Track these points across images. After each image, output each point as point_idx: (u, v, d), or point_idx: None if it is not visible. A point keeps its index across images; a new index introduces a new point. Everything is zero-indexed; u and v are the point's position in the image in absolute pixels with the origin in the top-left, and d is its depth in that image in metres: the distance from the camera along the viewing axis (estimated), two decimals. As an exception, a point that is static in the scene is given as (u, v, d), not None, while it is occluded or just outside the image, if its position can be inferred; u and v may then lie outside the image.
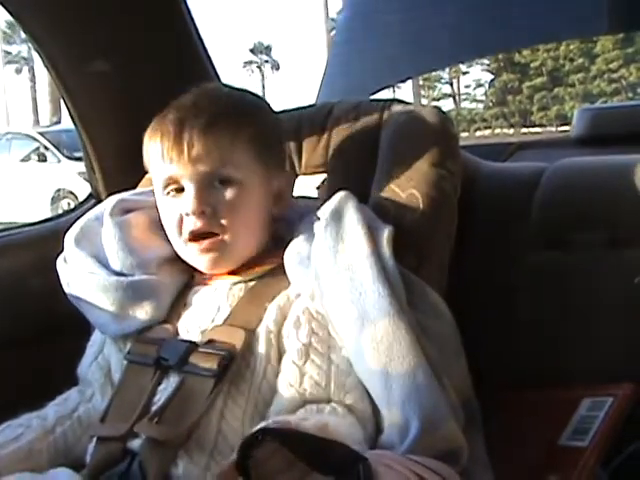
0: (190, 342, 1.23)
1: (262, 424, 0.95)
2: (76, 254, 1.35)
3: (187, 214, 1.24)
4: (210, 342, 1.22)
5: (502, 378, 1.36)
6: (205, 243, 1.25)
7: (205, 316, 1.26)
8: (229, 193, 1.24)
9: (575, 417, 1.27)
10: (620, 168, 1.49)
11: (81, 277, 1.33)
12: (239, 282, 1.28)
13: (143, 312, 1.29)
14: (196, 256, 1.27)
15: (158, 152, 1.25)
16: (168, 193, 1.27)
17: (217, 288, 1.28)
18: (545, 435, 1.29)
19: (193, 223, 1.24)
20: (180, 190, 1.25)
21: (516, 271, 1.42)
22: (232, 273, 1.28)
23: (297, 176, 1.46)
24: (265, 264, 1.28)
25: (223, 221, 1.24)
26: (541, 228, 1.43)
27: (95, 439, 1.22)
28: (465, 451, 1.14)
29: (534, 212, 1.44)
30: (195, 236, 1.25)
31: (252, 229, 1.27)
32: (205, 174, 1.23)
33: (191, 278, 1.33)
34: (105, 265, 1.33)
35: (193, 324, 1.26)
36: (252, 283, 1.27)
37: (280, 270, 1.26)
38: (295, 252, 1.25)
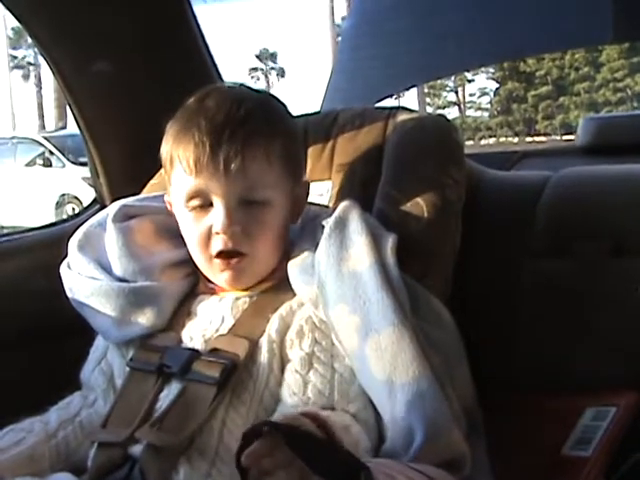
0: (193, 350, 1.23)
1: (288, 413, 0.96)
2: (79, 259, 1.34)
3: (217, 232, 1.22)
4: (213, 351, 1.21)
5: (506, 386, 1.36)
6: (233, 261, 1.23)
7: (209, 326, 1.26)
8: (259, 212, 1.23)
9: (578, 426, 1.27)
10: (624, 177, 1.49)
11: (83, 282, 1.32)
12: (244, 296, 1.27)
13: (145, 318, 1.28)
14: (219, 272, 1.25)
15: (187, 162, 1.21)
16: (192, 206, 1.24)
17: (222, 299, 1.28)
18: (548, 444, 1.28)
19: (223, 243, 1.22)
20: (206, 205, 1.23)
21: (520, 279, 1.42)
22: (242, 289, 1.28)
23: (309, 185, 1.45)
24: (271, 279, 1.28)
25: (252, 240, 1.23)
26: (545, 236, 1.43)
27: (96, 444, 1.22)
28: (468, 459, 1.13)
29: (538, 220, 1.44)
30: (223, 254, 1.23)
31: (275, 247, 1.26)
32: (239, 192, 1.21)
33: (195, 285, 1.33)
34: (108, 271, 1.32)
35: (197, 333, 1.26)
36: (256, 297, 1.27)
37: (284, 284, 1.25)
38: (299, 260, 1.25)
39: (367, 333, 1.15)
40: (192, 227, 1.25)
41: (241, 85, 1.35)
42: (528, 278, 1.42)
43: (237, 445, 0.96)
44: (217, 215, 1.21)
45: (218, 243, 1.22)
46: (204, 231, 1.23)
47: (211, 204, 1.22)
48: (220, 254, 1.23)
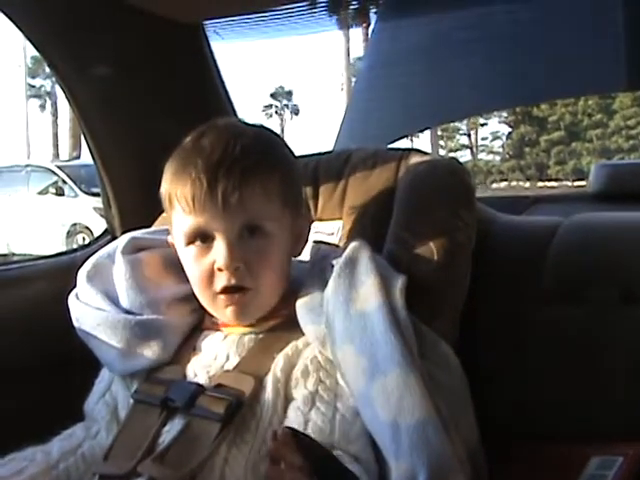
0: (198, 385, 1.23)
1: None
2: (87, 290, 1.35)
3: (220, 269, 1.22)
4: (219, 386, 1.21)
5: (511, 432, 1.35)
6: (236, 297, 1.23)
7: (214, 362, 1.26)
8: (260, 245, 1.23)
9: (584, 475, 1.26)
10: (636, 224, 1.49)
11: (90, 313, 1.32)
12: (250, 333, 1.27)
13: (150, 352, 1.28)
14: (223, 308, 1.25)
15: (185, 200, 1.22)
16: (194, 245, 1.24)
17: (227, 336, 1.28)
18: (553, 493, 1.27)
19: (227, 279, 1.22)
20: (208, 242, 1.23)
21: (529, 325, 1.41)
22: (246, 325, 1.28)
23: (312, 221, 1.46)
24: (277, 317, 1.27)
25: (255, 275, 1.23)
26: (555, 282, 1.42)
27: (97, 477, 1.21)
28: (471, 505, 1.12)
29: (548, 266, 1.43)
30: (227, 289, 1.23)
31: (278, 280, 1.26)
32: (239, 226, 1.21)
33: (200, 321, 1.33)
34: (115, 303, 1.33)
35: (201, 369, 1.26)
36: (262, 335, 1.27)
37: (290, 323, 1.25)
38: (307, 299, 1.25)
39: (374, 374, 1.14)
40: (194, 265, 1.25)
41: (238, 120, 1.36)
42: (537, 324, 1.41)
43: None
44: (219, 251, 1.21)
45: (222, 280, 1.22)
46: (207, 268, 1.23)
47: (212, 241, 1.23)
48: (224, 290, 1.23)
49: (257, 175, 1.22)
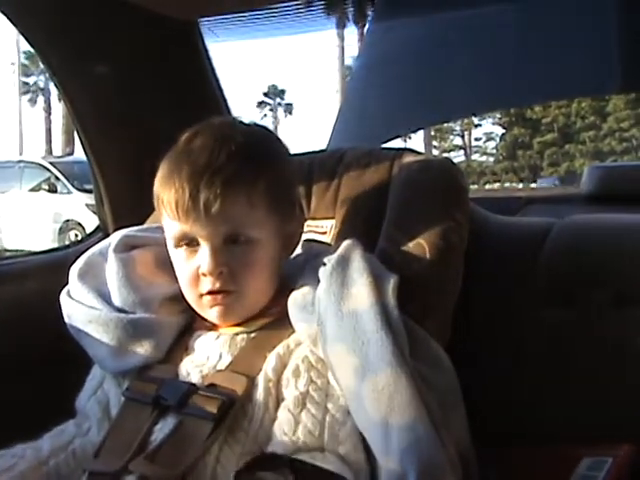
0: (191, 384, 1.23)
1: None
2: (79, 288, 1.35)
3: (204, 274, 1.23)
4: (211, 386, 1.21)
5: (502, 432, 1.35)
6: (219, 298, 1.24)
7: (206, 362, 1.26)
8: (245, 250, 1.23)
9: (574, 476, 1.26)
10: (628, 226, 1.49)
11: (82, 311, 1.32)
12: (242, 332, 1.27)
13: (142, 350, 1.28)
14: (208, 308, 1.26)
15: (170, 207, 1.23)
16: (181, 248, 1.26)
17: (220, 335, 1.28)
18: (543, 494, 1.27)
19: (211, 283, 1.23)
20: (194, 245, 1.24)
21: (521, 326, 1.42)
22: (237, 324, 1.28)
23: (306, 220, 1.46)
24: (269, 315, 1.28)
25: (239, 279, 1.23)
26: (548, 283, 1.43)
27: (87, 474, 1.21)
28: (462, 506, 1.12)
29: (541, 267, 1.43)
30: (211, 291, 1.24)
31: (265, 282, 1.27)
32: (222, 234, 1.22)
33: (192, 320, 1.33)
34: (107, 301, 1.32)
35: (194, 368, 1.26)
36: (254, 334, 1.27)
37: (282, 320, 1.25)
38: (299, 297, 1.24)
39: (365, 374, 1.14)
40: (182, 267, 1.27)
41: (233, 120, 1.36)
42: (530, 324, 1.41)
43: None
44: (203, 257, 1.23)
45: (206, 283, 1.24)
46: (193, 271, 1.24)
47: (198, 245, 1.24)
48: (209, 292, 1.24)
49: (240, 184, 1.22)
